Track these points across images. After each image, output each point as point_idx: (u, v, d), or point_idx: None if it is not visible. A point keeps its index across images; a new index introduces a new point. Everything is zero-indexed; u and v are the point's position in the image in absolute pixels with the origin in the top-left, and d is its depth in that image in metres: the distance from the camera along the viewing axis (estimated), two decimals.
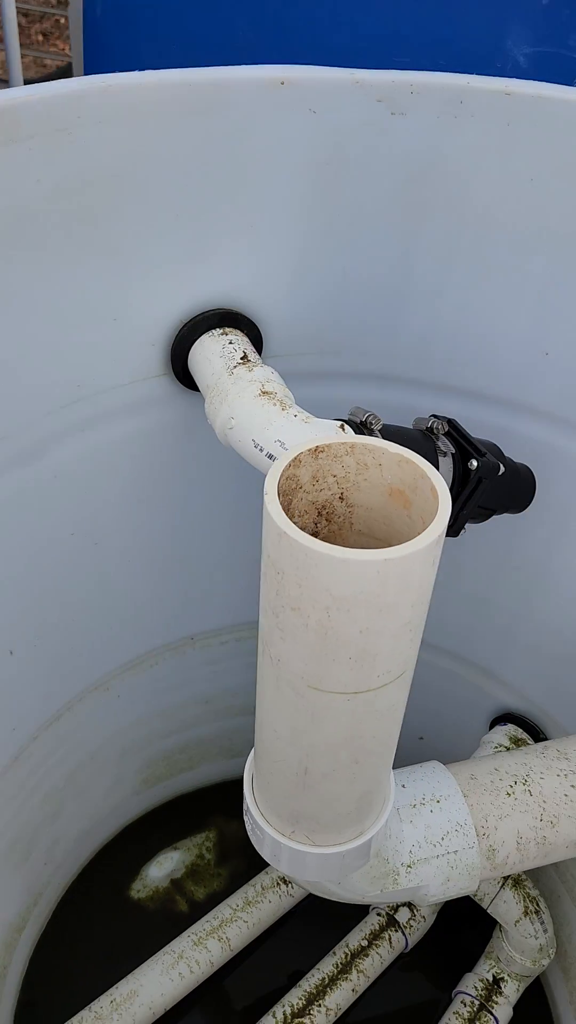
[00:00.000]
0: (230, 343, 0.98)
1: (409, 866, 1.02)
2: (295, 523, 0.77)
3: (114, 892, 1.70)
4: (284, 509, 0.74)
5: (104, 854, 1.75)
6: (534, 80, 0.85)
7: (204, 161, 0.84)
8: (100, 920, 1.68)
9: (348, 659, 0.67)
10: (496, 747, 1.43)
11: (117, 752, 1.60)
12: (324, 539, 0.82)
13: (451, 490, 0.98)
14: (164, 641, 1.47)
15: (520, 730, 1.45)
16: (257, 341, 1.04)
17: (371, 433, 0.92)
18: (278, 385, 0.93)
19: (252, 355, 0.97)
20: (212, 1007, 1.56)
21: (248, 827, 0.94)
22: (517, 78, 0.84)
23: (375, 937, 1.56)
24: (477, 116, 0.84)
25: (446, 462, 0.97)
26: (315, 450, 0.71)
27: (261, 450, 0.90)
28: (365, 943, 1.55)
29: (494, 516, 1.10)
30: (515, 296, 1.00)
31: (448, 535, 1.03)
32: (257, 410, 0.90)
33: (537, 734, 1.45)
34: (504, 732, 1.45)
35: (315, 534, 0.78)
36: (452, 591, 1.39)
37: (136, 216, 0.86)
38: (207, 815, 1.85)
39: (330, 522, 0.77)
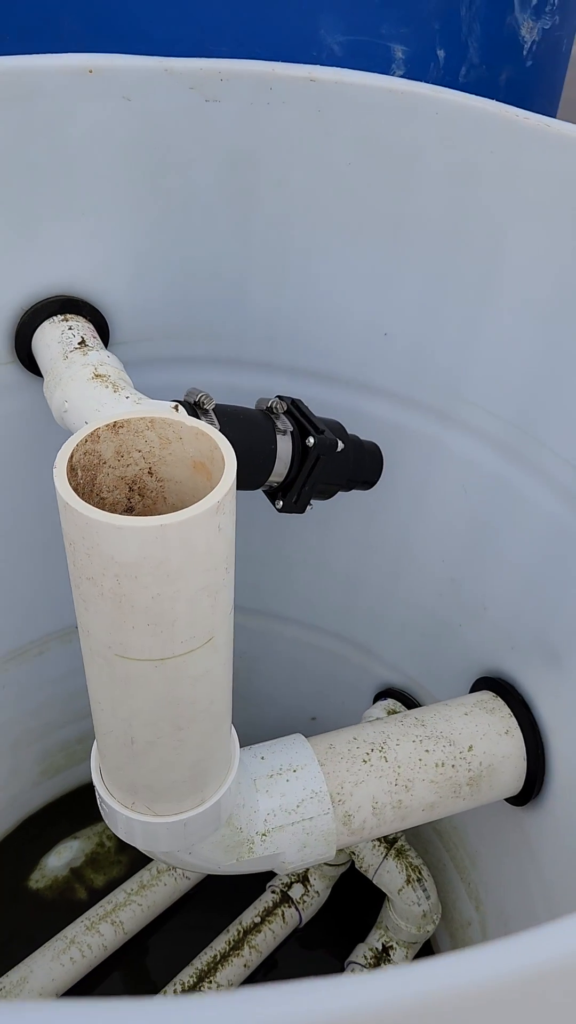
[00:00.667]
0: (69, 329, 1.00)
1: (264, 834, 1.05)
2: (105, 498, 0.79)
3: (12, 884, 1.71)
4: (90, 484, 0.76)
5: (2, 847, 1.75)
6: (347, 68, 0.88)
7: (22, 146, 0.86)
8: None
9: (147, 625, 0.69)
10: (374, 720, 1.47)
11: (9, 743, 1.60)
12: (139, 514, 0.85)
13: (291, 467, 1.01)
14: (48, 630, 1.48)
15: (398, 703, 1.50)
16: (102, 328, 1.06)
17: (204, 413, 0.94)
18: (112, 368, 0.95)
19: (91, 340, 0.99)
20: (108, 991, 1.58)
21: (100, 806, 0.96)
22: (333, 66, 0.88)
23: (268, 914, 1.59)
24: (289, 103, 0.88)
25: (285, 440, 1.00)
26: (114, 425, 0.73)
27: None
28: (258, 919, 1.58)
29: (343, 492, 1.14)
30: (351, 279, 1.03)
31: (294, 511, 1.07)
32: (89, 392, 0.92)
33: (412, 705, 1.49)
34: (382, 706, 1.49)
35: (129, 509, 0.80)
36: (324, 572, 1.43)
37: None
38: None
39: (143, 497, 0.80)
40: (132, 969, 1.62)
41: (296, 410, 1.04)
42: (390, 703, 1.50)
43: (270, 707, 1.79)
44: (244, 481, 0.99)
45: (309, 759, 1.11)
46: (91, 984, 1.56)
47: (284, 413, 1.02)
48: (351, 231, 0.98)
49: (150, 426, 0.74)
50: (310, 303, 1.07)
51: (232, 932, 1.56)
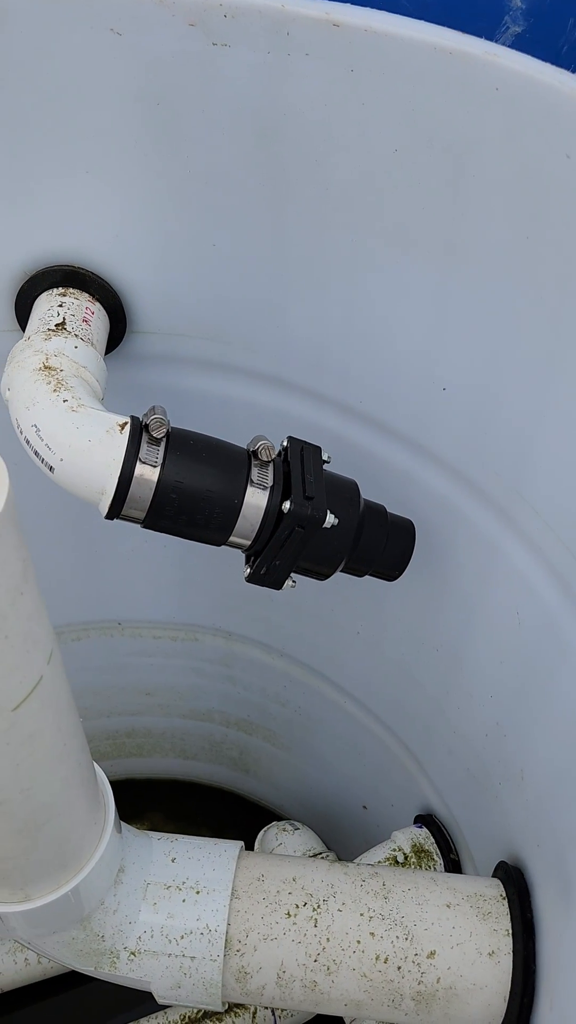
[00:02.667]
0: (59, 306, 0.85)
1: (134, 953, 0.86)
2: None
3: None
4: None
5: None
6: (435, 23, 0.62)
7: (1, 79, 0.71)
8: None
9: None
10: (394, 850, 1.20)
11: None
12: None
13: (259, 531, 0.79)
14: (87, 618, 1.38)
15: (431, 839, 1.20)
16: (117, 311, 0.89)
17: (151, 439, 0.75)
18: (70, 362, 0.79)
19: (75, 324, 0.84)
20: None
21: None
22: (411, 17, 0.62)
23: (236, 1004, 1.39)
24: (313, 56, 0.64)
25: (259, 495, 0.77)
26: None
27: (21, 432, 0.77)
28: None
29: (359, 576, 0.89)
30: (402, 303, 0.77)
31: (264, 584, 0.84)
32: (28, 386, 0.77)
33: (447, 847, 1.19)
34: (410, 836, 1.21)
35: None
36: (378, 653, 1.17)
37: None
38: (147, 808, 1.76)
39: None
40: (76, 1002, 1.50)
41: (299, 460, 0.81)
42: (420, 835, 1.21)
43: (326, 775, 1.56)
44: (191, 534, 0.79)
45: (223, 884, 0.89)
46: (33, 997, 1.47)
47: (271, 461, 0.79)
48: (399, 242, 0.73)
49: None
50: (357, 323, 0.83)
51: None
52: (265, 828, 1.45)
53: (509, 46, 0.62)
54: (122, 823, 0.92)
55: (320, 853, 1.39)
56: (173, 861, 0.91)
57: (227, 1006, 1.25)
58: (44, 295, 0.87)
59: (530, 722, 0.88)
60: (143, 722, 1.64)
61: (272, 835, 1.43)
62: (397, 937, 0.87)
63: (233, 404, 0.97)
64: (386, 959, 0.86)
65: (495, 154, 0.60)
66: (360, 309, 0.81)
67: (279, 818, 1.64)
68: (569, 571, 0.75)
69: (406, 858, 1.18)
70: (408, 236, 0.71)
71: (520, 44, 0.83)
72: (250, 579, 0.83)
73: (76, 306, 0.85)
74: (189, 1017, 1.37)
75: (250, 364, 0.93)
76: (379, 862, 1.19)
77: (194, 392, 0.97)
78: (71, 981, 1.47)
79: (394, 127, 0.65)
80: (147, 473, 0.74)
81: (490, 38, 0.58)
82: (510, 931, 0.87)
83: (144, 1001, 1.40)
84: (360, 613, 1.15)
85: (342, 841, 1.56)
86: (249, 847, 1.43)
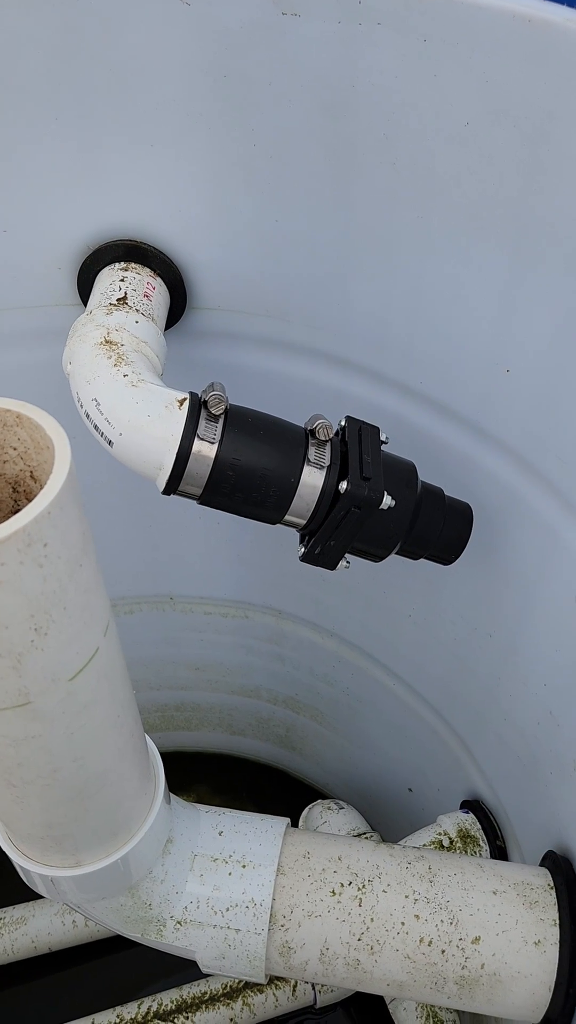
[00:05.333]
0: (121, 280, 0.85)
1: (180, 923, 0.88)
2: None
3: None
4: None
5: None
6: None
7: (70, 53, 0.71)
8: None
9: None
10: (439, 834, 1.19)
11: None
12: None
13: (315, 510, 0.78)
14: (140, 592, 1.39)
15: (477, 825, 1.19)
16: (178, 286, 0.89)
17: (209, 415, 0.75)
18: (131, 337, 0.79)
19: (137, 299, 0.84)
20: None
21: None
22: None
23: (277, 976, 1.40)
24: (386, 25, 0.62)
25: (316, 475, 0.77)
26: None
27: (81, 406, 0.77)
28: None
29: (416, 560, 0.88)
30: (468, 284, 0.75)
31: (319, 564, 0.83)
32: (89, 360, 0.77)
33: (496, 835, 1.18)
34: (456, 821, 1.20)
35: (15, 512, 0.65)
36: (430, 637, 1.16)
37: (6, 106, 0.75)
38: (194, 780, 1.78)
39: (31, 501, 0.64)
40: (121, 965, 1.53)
41: (357, 440, 0.80)
42: (467, 819, 1.20)
43: (372, 756, 1.56)
44: (247, 512, 0.79)
45: (269, 859, 0.90)
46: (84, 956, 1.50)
47: (328, 440, 0.78)
48: (469, 220, 0.71)
49: (18, 422, 0.57)
50: (422, 305, 0.81)
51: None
52: (310, 806, 1.45)
53: None
54: (171, 795, 0.93)
55: (364, 833, 1.39)
56: (220, 834, 0.92)
57: (269, 979, 1.27)
58: (106, 269, 0.88)
59: None
60: (192, 696, 1.65)
61: (317, 813, 1.43)
62: (442, 921, 0.86)
63: (293, 383, 0.97)
64: (430, 942, 0.86)
65: (571, 130, 0.58)
66: (426, 288, 0.79)
67: (324, 797, 1.65)
68: None
69: (451, 843, 1.18)
70: (479, 215, 0.69)
71: None
72: (304, 559, 0.82)
73: (138, 281, 0.86)
74: (231, 986, 1.39)
75: (311, 342, 0.93)
76: (424, 845, 1.18)
77: (254, 370, 0.97)
78: (117, 945, 1.50)
79: (467, 100, 0.63)
80: (205, 450, 0.74)
81: (572, 5, 0.56)
82: (557, 921, 0.86)
83: (187, 968, 1.43)
84: (413, 596, 1.14)
85: (386, 823, 1.56)
86: (294, 824, 1.45)
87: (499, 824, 1.18)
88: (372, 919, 0.87)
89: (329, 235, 0.81)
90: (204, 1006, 1.36)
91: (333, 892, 0.89)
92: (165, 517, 1.26)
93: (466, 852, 1.17)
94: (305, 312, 0.90)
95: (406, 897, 0.88)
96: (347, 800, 1.49)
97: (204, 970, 0.91)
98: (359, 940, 0.87)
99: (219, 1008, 1.36)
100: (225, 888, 0.88)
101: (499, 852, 1.17)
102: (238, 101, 0.73)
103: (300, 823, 1.44)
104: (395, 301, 0.83)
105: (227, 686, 1.61)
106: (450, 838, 1.19)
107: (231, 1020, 1.37)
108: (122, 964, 1.53)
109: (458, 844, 1.18)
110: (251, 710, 1.68)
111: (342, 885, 0.89)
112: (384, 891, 0.89)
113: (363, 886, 0.89)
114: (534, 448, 0.81)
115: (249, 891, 0.88)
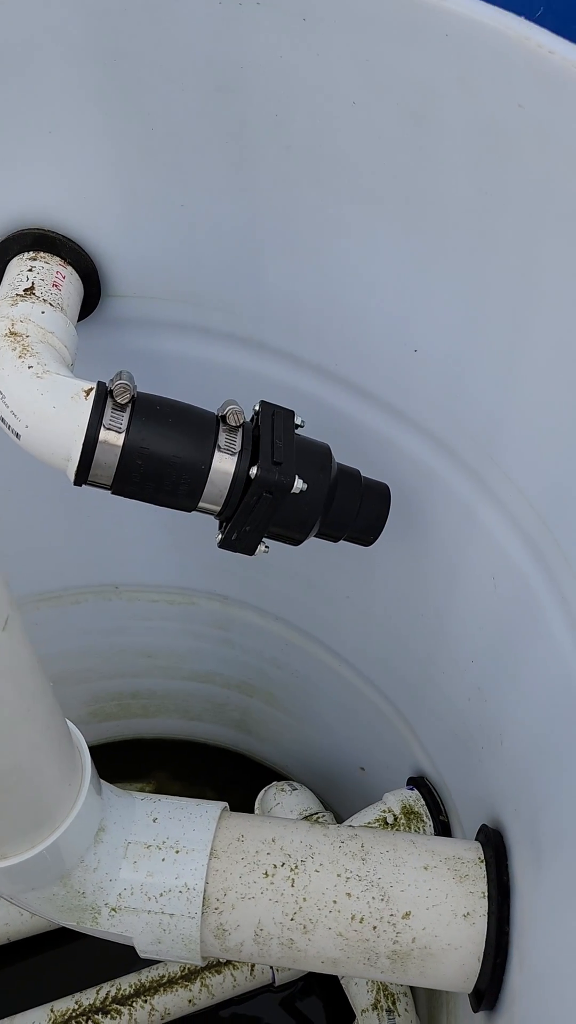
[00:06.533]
0: (30, 270, 0.84)
1: (114, 909, 0.88)
2: None
3: None
4: None
5: None
6: None
7: None
8: None
9: None
10: (384, 811, 1.20)
11: (51, 677, 1.57)
12: None
13: (228, 497, 0.78)
14: (85, 582, 1.39)
15: (421, 801, 1.21)
16: (91, 274, 0.88)
17: (115, 404, 0.74)
18: (36, 327, 0.78)
19: (45, 288, 0.83)
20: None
21: None
22: None
23: None
24: (264, 4, 0.61)
25: (227, 461, 0.77)
26: None
27: None
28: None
29: (337, 541, 0.88)
30: (373, 264, 0.75)
31: (236, 550, 0.83)
32: None
33: (439, 811, 1.19)
34: (400, 798, 1.21)
35: None
36: (369, 618, 1.17)
37: None
38: (152, 767, 1.79)
39: None
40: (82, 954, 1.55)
41: (270, 425, 0.80)
42: (411, 796, 1.21)
43: (324, 737, 1.57)
44: (161, 500, 0.79)
45: (202, 844, 0.90)
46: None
47: (240, 426, 0.78)
48: (365, 199, 0.70)
49: None
50: (330, 284, 0.81)
51: None
52: (265, 788, 1.47)
53: None
54: (104, 784, 0.93)
55: (316, 813, 1.40)
56: (155, 821, 0.93)
57: (208, 961, 1.28)
58: (15, 260, 0.86)
59: (508, 687, 0.88)
60: (146, 684, 1.66)
61: (271, 795, 1.44)
62: (373, 898, 0.87)
63: (212, 367, 0.96)
64: (361, 919, 0.87)
65: (450, 105, 0.58)
66: (333, 269, 0.79)
67: (282, 778, 1.66)
68: (541, 537, 0.74)
69: (396, 819, 1.19)
70: (374, 193, 0.69)
71: None
72: (222, 545, 0.82)
73: (46, 270, 0.84)
74: (189, 969, 1.40)
75: (227, 327, 0.92)
76: (369, 823, 1.20)
77: (173, 356, 0.97)
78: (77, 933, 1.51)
79: (351, 78, 0.63)
80: (112, 439, 0.73)
81: None
82: (486, 894, 0.88)
83: None
84: (349, 578, 1.14)
85: (340, 801, 1.58)
86: (250, 807, 1.45)
87: (442, 799, 1.20)
88: (305, 899, 0.88)
89: (235, 219, 0.80)
90: (163, 989, 1.38)
91: (266, 874, 0.89)
92: (101, 507, 1.25)
93: (409, 828, 1.19)
94: (219, 296, 0.89)
95: (338, 876, 0.89)
96: (304, 780, 1.51)
97: (142, 955, 0.92)
98: (292, 920, 0.88)
99: (177, 990, 1.38)
100: (159, 874, 0.89)
101: (443, 827, 1.19)
102: (131, 85, 0.72)
103: (256, 805, 1.45)
104: (305, 283, 0.83)
105: (180, 672, 1.61)
106: (394, 815, 1.20)
107: (190, 1001, 1.38)
108: (82, 953, 1.54)
109: (402, 821, 1.19)
110: (206, 695, 1.68)
111: (275, 866, 0.90)
112: (316, 871, 0.90)
113: (296, 867, 0.90)
114: (447, 427, 0.81)
115: (182, 876, 0.88)
